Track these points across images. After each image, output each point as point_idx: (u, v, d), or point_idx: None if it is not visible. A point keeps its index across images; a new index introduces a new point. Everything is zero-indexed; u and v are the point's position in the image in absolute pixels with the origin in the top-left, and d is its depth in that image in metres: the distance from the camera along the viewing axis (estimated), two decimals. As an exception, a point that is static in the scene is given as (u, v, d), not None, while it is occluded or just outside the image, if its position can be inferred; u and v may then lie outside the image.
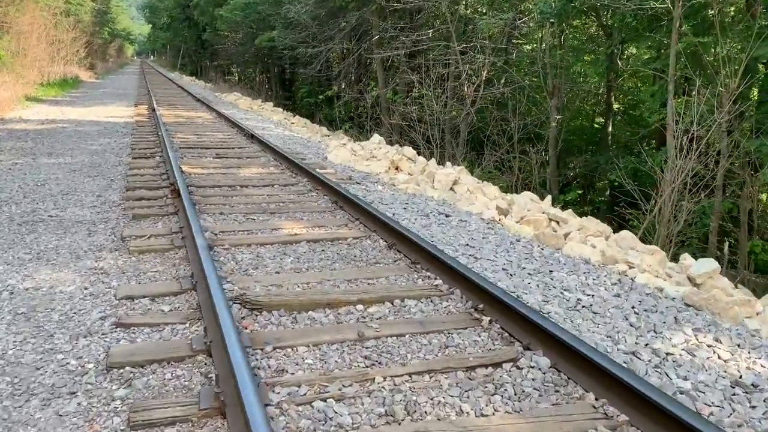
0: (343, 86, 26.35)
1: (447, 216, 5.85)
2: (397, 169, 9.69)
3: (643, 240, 9.10)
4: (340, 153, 9.72)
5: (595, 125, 20.22)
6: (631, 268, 5.02)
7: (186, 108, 16.22)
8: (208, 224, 5.27)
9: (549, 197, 8.19)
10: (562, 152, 17.28)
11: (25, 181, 7.03)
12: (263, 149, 9.49)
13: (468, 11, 20.46)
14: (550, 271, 4.30)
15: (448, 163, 10.36)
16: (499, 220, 6.35)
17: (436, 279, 4.06)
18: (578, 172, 17.81)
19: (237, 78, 44.15)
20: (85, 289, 3.86)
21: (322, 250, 4.73)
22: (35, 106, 16.14)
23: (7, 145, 9.69)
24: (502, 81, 17.54)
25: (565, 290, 3.92)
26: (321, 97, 29.52)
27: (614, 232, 6.72)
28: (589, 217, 7.85)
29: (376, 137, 11.70)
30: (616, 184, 13.81)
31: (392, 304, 3.68)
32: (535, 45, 17.94)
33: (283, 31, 25.05)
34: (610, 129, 17.61)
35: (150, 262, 4.37)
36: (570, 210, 7.70)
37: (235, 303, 3.53)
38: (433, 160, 10.65)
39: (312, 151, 10.13)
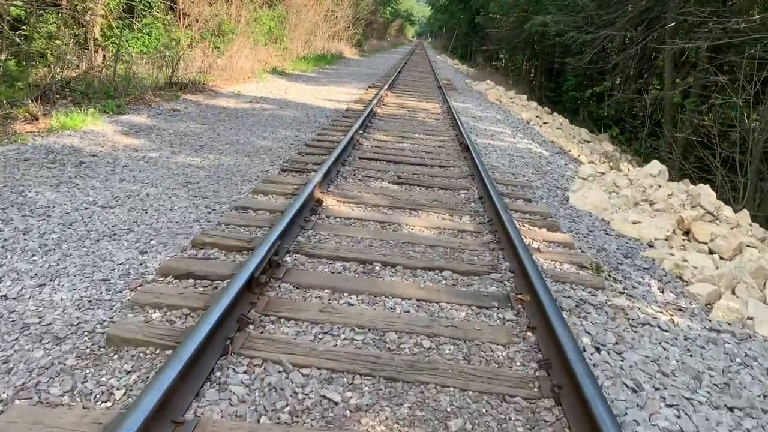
0: (617, 81, 21.53)
1: None
2: (686, 234, 5.60)
3: None
4: (591, 193, 5.90)
5: None
6: None
7: (419, 96, 13.37)
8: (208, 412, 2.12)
9: None
10: None
11: (101, 196, 4.60)
12: (472, 173, 6.09)
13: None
14: None
15: (779, 230, 5.96)
16: None
17: None
18: None
19: (503, 64, 40.86)
20: None
21: None
22: (270, 80, 14.64)
23: (177, 126, 7.67)
24: None
25: None
26: (589, 92, 24.86)
27: None
28: None
29: (654, 165, 7.54)
30: None
31: None
32: None
33: (557, 13, 21.09)
34: None
35: None
36: None
37: None
38: (744, 214, 6.38)
39: (549, 181, 6.45)
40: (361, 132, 7.81)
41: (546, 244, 4.25)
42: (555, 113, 17.50)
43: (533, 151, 7.96)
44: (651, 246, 5.04)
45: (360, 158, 6.46)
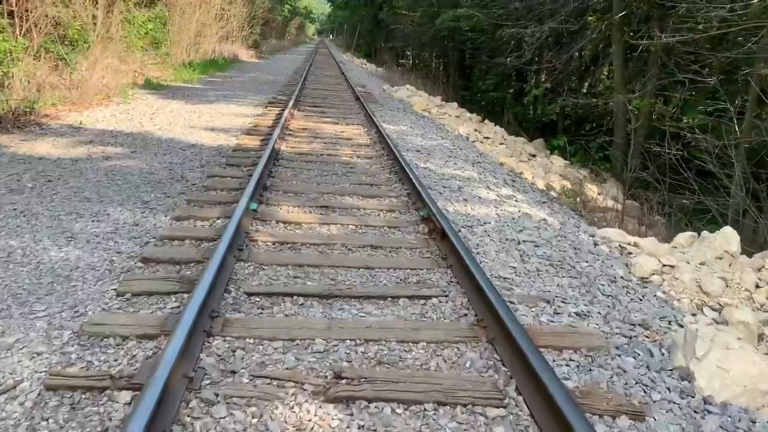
0: (543, 79, 19.04)
1: None
2: None
3: None
4: (732, 359, 2.79)
5: None
6: None
7: (336, 115, 10.00)
8: None
9: None
10: None
11: None
12: (481, 319, 2.86)
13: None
14: None
15: None
16: None
17: None
18: None
19: (411, 62, 37.96)
20: None
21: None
22: (137, 99, 10.83)
23: None
24: None
25: None
26: (511, 91, 22.30)
27: None
28: None
29: (727, 235, 4.61)
30: None
31: None
32: None
33: (473, 8, 18.36)
34: None
35: None
36: None
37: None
38: None
39: (611, 310, 3.31)
40: (255, 206, 4.42)
41: None
42: (486, 121, 14.63)
43: (534, 219, 4.82)
44: None
45: (250, 295, 3.08)
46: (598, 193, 10.23)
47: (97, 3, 13.67)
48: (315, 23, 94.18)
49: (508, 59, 15.14)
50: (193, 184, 5.31)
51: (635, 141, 10.53)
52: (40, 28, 11.51)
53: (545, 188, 8.82)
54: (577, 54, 14.57)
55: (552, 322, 3.04)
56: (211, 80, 15.57)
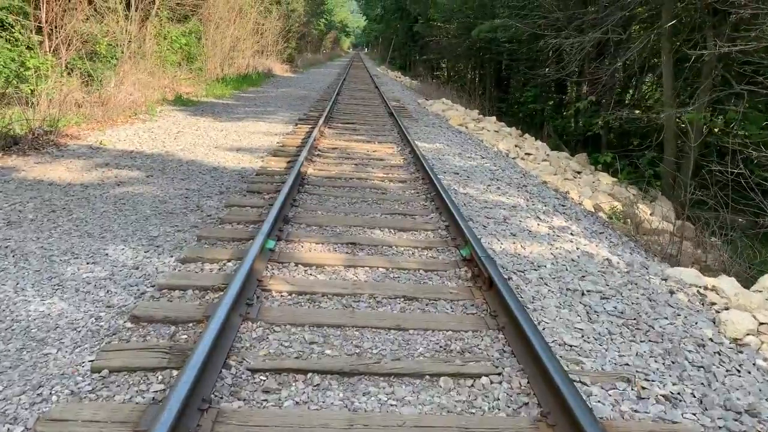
0: (584, 91, 18.15)
1: None
2: None
3: None
4: None
5: None
6: None
7: (368, 132, 9.40)
8: None
9: None
10: None
11: None
12: (558, 418, 2.19)
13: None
14: None
15: None
16: None
17: None
18: None
19: (446, 74, 37.31)
20: None
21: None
22: (164, 116, 10.44)
23: None
24: None
25: None
26: (551, 103, 21.42)
27: None
28: None
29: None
30: None
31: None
32: None
33: (512, 18, 17.62)
34: None
35: None
36: None
37: None
38: None
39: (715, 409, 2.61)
40: (272, 244, 3.83)
41: None
42: (527, 135, 13.88)
43: (595, 259, 4.11)
44: None
45: (254, 372, 2.46)
46: (650, 214, 9.43)
47: (128, 17, 13.45)
48: (350, 37, 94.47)
49: (547, 70, 14.37)
50: (209, 215, 4.75)
51: (692, 157, 9.68)
52: (69, 44, 11.26)
53: (594, 209, 8.10)
54: (620, 65, 13.68)
55: (637, 412, 2.35)
56: (243, 96, 15.19)
